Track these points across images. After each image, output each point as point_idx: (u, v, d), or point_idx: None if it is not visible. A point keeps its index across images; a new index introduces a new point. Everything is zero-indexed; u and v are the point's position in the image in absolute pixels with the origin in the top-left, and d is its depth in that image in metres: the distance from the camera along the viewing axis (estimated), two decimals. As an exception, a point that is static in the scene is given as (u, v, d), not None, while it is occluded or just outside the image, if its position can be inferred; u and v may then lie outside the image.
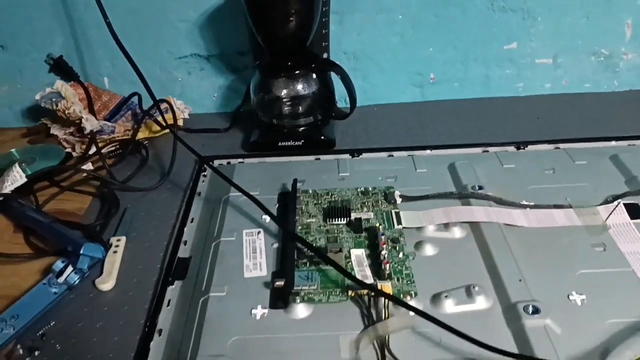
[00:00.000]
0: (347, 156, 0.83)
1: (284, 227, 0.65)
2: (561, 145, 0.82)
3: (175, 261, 0.65)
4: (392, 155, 0.82)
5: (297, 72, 0.84)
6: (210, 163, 0.82)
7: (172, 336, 0.56)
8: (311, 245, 0.61)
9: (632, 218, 0.65)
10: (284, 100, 0.86)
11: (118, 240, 0.70)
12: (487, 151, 0.82)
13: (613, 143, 0.80)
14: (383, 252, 0.59)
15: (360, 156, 0.83)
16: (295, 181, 0.72)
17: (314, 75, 0.85)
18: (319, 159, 0.82)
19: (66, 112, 0.87)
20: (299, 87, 0.85)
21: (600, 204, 0.68)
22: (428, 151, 0.82)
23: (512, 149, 0.82)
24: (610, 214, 0.65)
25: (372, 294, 0.55)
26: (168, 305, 0.60)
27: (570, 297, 0.56)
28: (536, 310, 0.53)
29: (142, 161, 0.87)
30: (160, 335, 0.57)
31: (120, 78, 1.00)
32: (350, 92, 0.83)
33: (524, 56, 1.01)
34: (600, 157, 0.77)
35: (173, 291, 0.62)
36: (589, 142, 0.81)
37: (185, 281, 0.63)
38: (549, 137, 0.85)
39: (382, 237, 0.61)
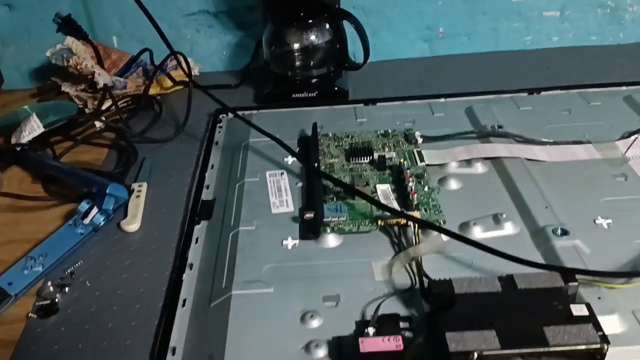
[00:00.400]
0: (361, 105, 0.83)
1: (308, 165, 0.65)
2: (573, 91, 0.82)
3: (199, 203, 0.66)
4: (406, 103, 0.82)
5: (310, 21, 0.84)
6: (225, 115, 0.82)
7: (204, 269, 0.57)
8: (338, 180, 0.61)
9: (651, 150, 0.66)
10: (297, 51, 0.86)
11: (140, 186, 0.70)
12: (501, 97, 0.82)
13: (624, 88, 0.81)
14: (410, 184, 0.59)
15: (376, 105, 0.83)
16: (315, 125, 0.72)
17: (327, 26, 0.85)
18: (334, 108, 0.82)
19: (78, 67, 0.87)
20: (312, 37, 0.85)
21: (618, 140, 0.68)
22: (443, 99, 0.83)
23: (525, 95, 0.83)
24: (630, 146, 0.66)
25: (402, 222, 0.56)
26: (196, 242, 0.60)
27: (597, 222, 0.56)
28: (565, 232, 0.54)
29: (155, 116, 0.87)
30: (191, 269, 0.57)
31: (129, 36, 0.99)
32: (364, 41, 0.83)
33: (532, 9, 1.01)
34: (614, 99, 0.78)
35: (200, 230, 0.62)
36: (601, 87, 0.82)
37: (212, 221, 0.63)
38: (561, 84, 0.85)
39: (407, 171, 0.62)
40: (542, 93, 0.82)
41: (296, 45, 0.86)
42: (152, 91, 0.91)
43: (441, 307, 0.45)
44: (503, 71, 0.95)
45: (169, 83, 0.93)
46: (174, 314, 0.52)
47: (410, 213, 0.56)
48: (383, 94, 0.88)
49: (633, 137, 0.67)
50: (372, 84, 0.93)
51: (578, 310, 0.43)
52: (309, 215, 0.58)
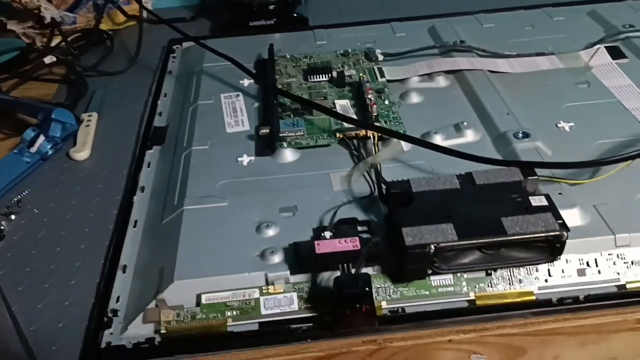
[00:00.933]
0: (321, 30, 0.79)
1: (263, 83, 0.62)
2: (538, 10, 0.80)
3: (151, 129, 0.63)
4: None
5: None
6: (179, 46, 0.79)
7: (156, 192, 0.55)
8: (295, 95, 0.59)
9: (613, 59, 0.64)
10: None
11: (90, 115, 0.67)
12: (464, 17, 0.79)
13: (588, 6, 0.79)
14: (369, 96, 0.57)
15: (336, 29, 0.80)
16: (271, 46, 0.69)
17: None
18: (292, 34, 0.79)
19: (23, 1, 0.82)
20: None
21: (581, 50, 0.67)
22: (404, 22, 0.80)
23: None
24: (593, 55, 0.65)
25: (361, 134, 0.54)
26: (148, 166, 0.58)
27: (559, 125, 0.55)
28: (526, 135, 0.53)
29: (107, 51, 0.83)
30: (143, 191, 0.55)
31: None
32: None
33: None
34: (578, 14, 0.76)
35: (152, 155, 0.60)
36: (565, 6, 0.80)
37: (164, 146, 0.61)
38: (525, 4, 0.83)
39: (367, 84, 0.59)
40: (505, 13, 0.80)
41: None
42: (104, 26, 0.87)
43: (399, 205, 0.43)
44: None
45: (121, 18, 0.88)
46: (125, 234, 0.50)
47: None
48: (344, 20, 0.85)
49: (596, 47, 0.66)
50: (332, 11, 0.89)
51: (537, 201, 0.42)
52: (265, 130, 0.55)
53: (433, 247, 0.39)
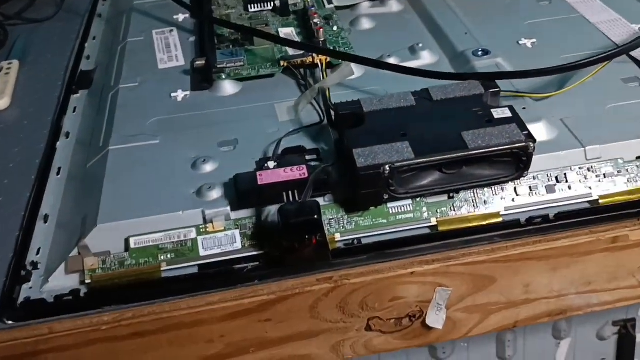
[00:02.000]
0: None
1: (198, 14, 0.57)
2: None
3: (77, 73, 0.57)
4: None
5: None
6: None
7: (82, 137, 0.49)
8: (233, 24, 0.53)
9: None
10: None
11: (9, 64, 0.60)
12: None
13: None
14: (315, 21, 0.52)
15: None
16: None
17: None
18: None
19: None
20: None
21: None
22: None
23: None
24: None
25: (308, 61, 0.49)
26: (74, 111, 0.52)
27: (520, 43, 0.51)
28: (486, 52, 0.49)
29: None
30: (67, 137, 0.49)
31: None
32: None
33: None
34: None
35: (79, 100, 0.54)
36: None
37: (92, 90, 0.55)
38: None
39: (312, 8, 0.54)
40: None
41: None
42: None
43: (349, 127, 0.38)
44: None
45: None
46: (46, 182, 0.44)
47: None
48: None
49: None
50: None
51: (500, 113, 0.38)
52: (200, 62, 0.50)
53: (388, 168, 0.35)
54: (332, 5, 0.58)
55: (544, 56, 0.49)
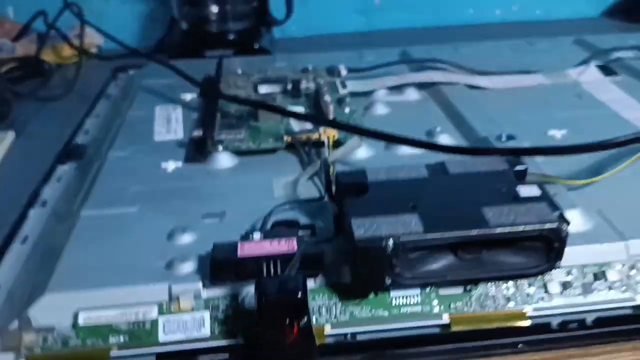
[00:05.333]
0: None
1: (203, 86, 0.54)
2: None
3: (70, 145, 0.53)
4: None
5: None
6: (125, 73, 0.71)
7: (58, 206, 0.44)
8: (239, 98, 0.50)
9: (605, 76, 0.57)
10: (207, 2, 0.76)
11: (6, 133, 0.57)
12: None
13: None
14: (325, 98, 0.49)
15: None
16: (220, 59, 0.61)
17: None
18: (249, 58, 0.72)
19: (-45, 24, 0.75)
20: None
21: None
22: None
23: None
24: (582, 73, 0.57)
25: (315, 137, 0.45)
26: (58, 181, 0.48)
27: (549, 133, 0.46)
28: (510, 138, 0.44)
29: (44, 82, 0.74)
30: (44, 206, 0.44)
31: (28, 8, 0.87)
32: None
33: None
34: (563, 42, 0.70)
35: (66, 171, 0.49)
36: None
37: (82, 162, 0.51)
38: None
39: (325, 88, 0.51)
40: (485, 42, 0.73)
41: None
42: (46, 57, 0.80)
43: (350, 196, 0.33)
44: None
45: (67, 51, 0.81)
46: (5, 251, 0.39)
47: (325, 129, 0.45)
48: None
49: (584, 66, 0.59)
50: (299, 46, 0.83)
51: (527, 191, 0.32)
52: (197, 133, 0.46)
53: (392, 243, 0.29)
54: (346, 90, 0.55)
55: (575, 146, 0.44)
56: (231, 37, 0.76)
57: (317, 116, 0.46)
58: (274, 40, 0.84)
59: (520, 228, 0.29)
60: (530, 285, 0.32)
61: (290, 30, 0.93)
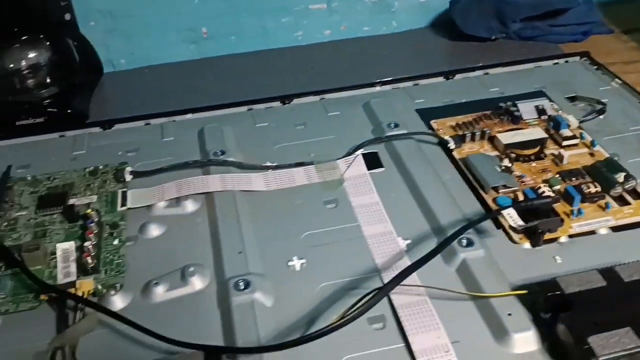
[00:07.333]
0: (97, 129, 0.74)
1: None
2: (326, 96, 0.78)
3: None
4: (149, 123, 0.75)
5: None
6: None
7: None
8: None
9: (369, 168, 0.63)
10: (13, 73, 0.75)
11: None
12: (252, 108, 0.76)
13: (366, 91, 0.78)
14: (86, 244, 0.52)
15: (113, 127, 0.74)
16: (8, 169, 0.63)
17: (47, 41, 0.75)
18: (64, 135, 0.73)
19: None
20: (29, 54, 0.75)
21: (342, 157, 0.65)
22: (189, 115, 0.76)
23: (277, 104, 0.78)
24: (348, 166, 0.63)
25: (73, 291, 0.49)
26: None
27: (290, 264, 0.52)
28: (247, 285, 0.49)
29: None
30: None
31: None
32: (88, 55, 0.74)
33: (297, 3, 0.96)
34: (354, 106, 0.74)
35: None
36: (346, 91, 0.78)
37: None
38: (317, 88, 0.81)
39: (92, 225, 0.54)
40: (295, 100, 0.77)
41: (11, 66, 0.75)
42: None
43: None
44: (266, 74, 0.90)
45: None
46: None
47: (82, 281, 0.50)
48: (131, 110, 0.80)
49: (354, 155, 0.64)
50: (121, 98, 0.84)
51: None
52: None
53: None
54: (124, 208, 0.58)
55: (306, 283, 0.50)
56: (45, 103, 0.76)
57: (53, 287, 0.49)
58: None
59: None
60: None
61: (120, 64, 0.94)
